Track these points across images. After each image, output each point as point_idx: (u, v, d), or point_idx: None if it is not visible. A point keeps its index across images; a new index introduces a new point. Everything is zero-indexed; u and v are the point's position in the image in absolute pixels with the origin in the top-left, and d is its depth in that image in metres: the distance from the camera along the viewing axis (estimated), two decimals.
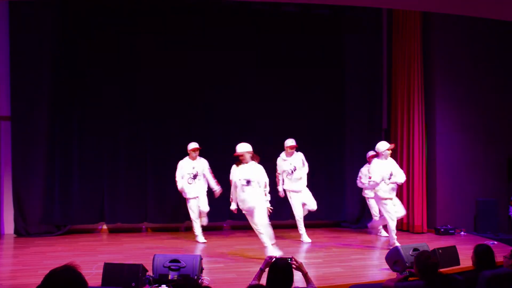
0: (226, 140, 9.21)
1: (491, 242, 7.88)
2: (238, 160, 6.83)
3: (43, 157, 8.61)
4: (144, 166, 9.06)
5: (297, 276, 4.13)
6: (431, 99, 9.50)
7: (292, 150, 8.21)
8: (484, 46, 9.59)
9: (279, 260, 4.06)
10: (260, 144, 9.32)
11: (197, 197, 8.05)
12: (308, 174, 9.63)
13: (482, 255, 4.51)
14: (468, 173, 9.51)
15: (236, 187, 6.86)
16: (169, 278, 5.36)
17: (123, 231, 9.02)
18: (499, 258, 5.12)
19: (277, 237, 8.67)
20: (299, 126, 9.67)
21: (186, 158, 8.13)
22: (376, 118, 10.09)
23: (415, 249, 6.11)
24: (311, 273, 4.43)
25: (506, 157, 9.67)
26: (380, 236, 8.79)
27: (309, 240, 8.27)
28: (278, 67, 9.59)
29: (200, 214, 8.14)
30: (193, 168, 8.05)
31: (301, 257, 6.94)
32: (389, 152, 7.64)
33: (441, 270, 5.03)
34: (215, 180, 8.19)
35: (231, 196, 7.08)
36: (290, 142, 8.23)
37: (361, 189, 9.08)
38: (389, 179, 7.58)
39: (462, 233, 9.08)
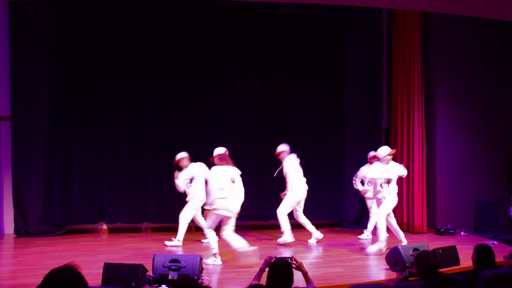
0: (226, 140, 9.23)
1: (491, 242, 7.87)
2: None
3: (43, 157, 8.61)
4: (144, 166, 9.06)
5: (297, 275, 4.13)
6: (431, 99, 9.51)
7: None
8: (484, 46, 9.59)
9: (279, 260, 4.06)
10: (260, 144, 9.37)
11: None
12: (308, 175, 9.65)
13: (482, 255, 4.51)
14: (468, 173, 9.51)
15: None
16: (169, 278, 5.36)
17: (123, 231, 9.02)
18: (499, 258, 5.12)
19: (280, 237, 8.71)
20: (299, 126, 9.70)
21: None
22: (376, 118, 10.10)
23: (415, 249, 6.11)
24: (311, 273, 4.43)
25: (506, 157, 9.67)
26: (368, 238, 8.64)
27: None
28: (278, 67, 9.60)
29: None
30: (189, 172, 7.94)
31: (301, 257, 6.93)
32: (390, 157, 7.50)
33: (441, 270, 5.03)
34: None
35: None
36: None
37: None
38: (387, 182, 7.49)
39: (462, 233, 9.08)
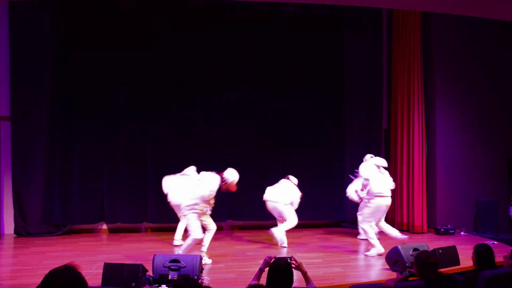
0: (226, 141, 9.24)
1: (491, 242, 7.87)
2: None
3: (43, 157, 8.61)
4: (144, 166, 9.06)
5: (297, 275, 4.13)
6: (431, 99, 9.51)
7: None
8: (484, 46, 9.59)
9: (278, 260, 4.06)
10: (260, 145, 9.36)
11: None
12: (308, 174, 9.66)
13: (482, 254, 4.51)
14: (468, 173, 9.51)
15: None
16: (169, 278, 5.36)
17: (123, 231, 9.02)
18: (499, 258, 5.12)
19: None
20: (299, 126, 9.70)
21: None
22: (376, 118, 10.10)
23: (415, 249, 6.11)
24: (311, 273, 4.42)
25: (506, 157, 9.66)
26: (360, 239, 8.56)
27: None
28: (278, 67, 9.60)
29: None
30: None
31: (300, 257, 6.93)
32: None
33: (441, 270, 5.03)
34: None
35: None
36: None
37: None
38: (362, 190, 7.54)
39: (462, 233, 9.08)
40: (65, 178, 8.72)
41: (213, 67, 9.30)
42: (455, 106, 9.54)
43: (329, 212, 9.88)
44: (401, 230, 9.46)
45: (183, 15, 9.18)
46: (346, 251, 7.65)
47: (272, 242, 8.18)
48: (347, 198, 9.73)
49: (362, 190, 7.76)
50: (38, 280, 2.50)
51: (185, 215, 6.61)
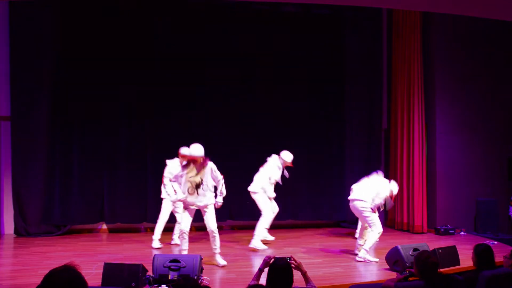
0: (227, 141, 9.24)
1: (491, 242, 7.86)
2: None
3: (43, 157, 8.61)
4: (144, 166, 9.05)
5: (296, 275, 4.13)
6: (431, 99, 9.51)
7: None
8: (484, 46, 9.59)
9: (278, 260, 4.06)
10: (260, 145, 9.37)
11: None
12: (308, 174, 9.65)
13: (482, 254, 4.51)
14: (468, 173, 9.51)
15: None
16: (169, 278, 5.36)
17: (123, 231, 9.02)
18: (499, 258, 5.12)
19: (280, 237, 8.69)
20: (299, 126, 9.71)
21: (176, 160, 7.75)
22: (376, 118, 10.09)
23: (415, 249, 6.12)
24: (310, 273, 4.42)
25: (506, 157, 9.66)
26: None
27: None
28: (278, 67, 9.59)
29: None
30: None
31: (300, 257, 6.94)
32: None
33: (441, 270, 5.03)
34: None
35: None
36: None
37: None
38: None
39: (462, 233, 9.08)
40: (65, 178, 8.72)
41: (213, 67, 9.29)
42: (455, 106, 9.54)
43: (329, 212, 9.88)
44: (401, 230, 9.50)
45: (183, 15, 9.18)
46: (346, 251, 7.65)
47: (271, 242, 8.18)
48: (347, 198, 9.74)
49: None
50: (38, 280, 2.50)
51: None
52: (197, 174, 6.31)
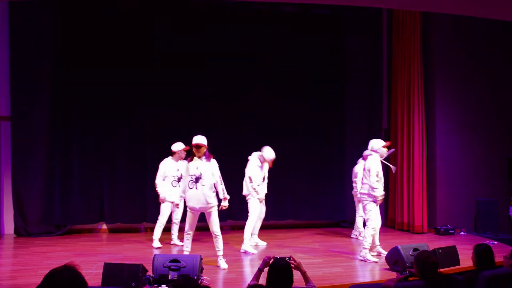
0: (227, 141, 9.23)
1: (491, 242, 7.87)
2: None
3: (43, 157, 8.61)
4: (144, 166, 9.06)
5: (296, 275, 4.13)
6: (431, 99, 9.51)
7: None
8: (484, 46, 9.59)
9: (278, 260, 4.06)
10: (260, 145, 9.36)
11: (173, 201, 7.72)
12: (308, 174, 9.64)
13: (482, 254, 4.51)
14: (468, 173, 9.51)
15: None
16: (169, 278, 5.36)
17: (123, 231, 9.02)
18: (499, 258, 5.12)
19: (280, 237, 8.70)
20: (299, 126, 9.71)
21: (170, 159, 7.85)
22: (376, 118, 10.10)
23: (415, 249, 6.11)
24: (310, 273, 4.42)
25: (506, 157, 9.66)
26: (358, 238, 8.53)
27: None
28: (278, 67, 9.60)
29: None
30: (177, 170, 7.68)
31: (300, 257, 6.94)
32: (385, 149, 7.13)
33: (441, 270, 5.03)
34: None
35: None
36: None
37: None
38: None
39: (462, 233, 9.08)
40: (65, 178, 8.73)
41: (213, 67, 9.29)
42: (455, 106, 9.54)
43: (329, 212, 9.89)
44: (401, 230, 9.50)
45: (183, 15, 9.19)
46: (346, 251, 7.65)
47: (271, 242, 8.18)
48: (347, 198, 9.75)
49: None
50: (38, 280, 2.50)
51: None
52: (197, 168, 6.31)
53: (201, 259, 5.66)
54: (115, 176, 8.97)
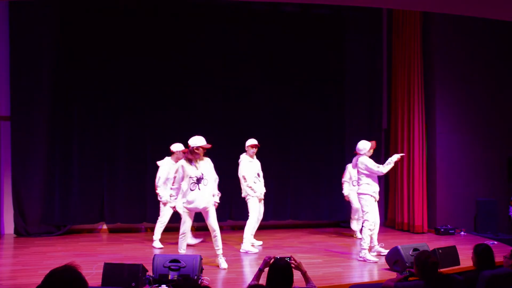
0: (227, 141, 9.23)
1: (491, 242, 7.87)
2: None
3: (43, 157, 8.61)
4: (144, 166, 9.05)
5: (296, 275, 4.13)
6: (431, 99, 9.50)
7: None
8: (484, 46, 9.59)
9: (278, 260, 4.06)
10: (260, 144, 9.36)
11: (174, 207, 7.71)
12: (308, 174, 9.63)
13: (482, 254, 4.51)
14: (468, 173, 9.51)
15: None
16: (169, 278, 5.36)
17: (123, 231, 9.02)
18: (499, 258, 5.12)
19: (280, 237, 8.70)
20: (299, 126, 9.71)
21: (169, 160, 7.83)
22: (376, 118, 10.10)
23: (415, 249, 6.11)
24: (311, 273, 4.42)
25: (506, 157, 9.66)
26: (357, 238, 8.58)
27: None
28: (277, 67, 9.60)
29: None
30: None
31: (300, 257, 6.94)
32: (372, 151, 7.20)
33: (441, 270, 5.03)
34: None
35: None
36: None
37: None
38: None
39: (462, 233, 9.08)
40: (65, 178, 8.72)
41: (213, 67, 9.30)
42: (455, 106, 9.54)
43: (329, 212, 9.88)
44: (401, 230, 9.50)
45: (183, 15, 9.19)
46: (346, 251, 7.65)
47: (271, 242, 8.18)
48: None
49: None
50: (38, 280, 2.50)
51: None
52: (197, 168, 6.28)
53: (201, 259, 5.66)
54: (115, 176, 8.96)
